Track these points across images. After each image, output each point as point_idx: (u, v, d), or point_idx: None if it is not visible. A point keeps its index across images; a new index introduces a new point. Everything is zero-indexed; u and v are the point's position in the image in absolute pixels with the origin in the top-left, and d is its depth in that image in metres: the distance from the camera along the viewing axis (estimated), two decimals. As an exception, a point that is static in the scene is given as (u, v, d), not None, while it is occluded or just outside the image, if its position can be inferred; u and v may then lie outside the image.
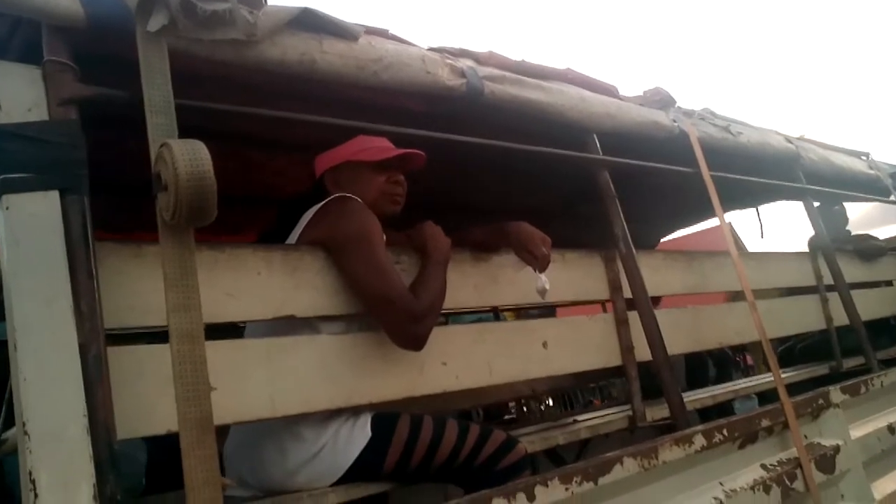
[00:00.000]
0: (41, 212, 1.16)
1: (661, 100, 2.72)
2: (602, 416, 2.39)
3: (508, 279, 1.99)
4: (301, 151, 1.92)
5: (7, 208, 1.13)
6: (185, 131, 1.20)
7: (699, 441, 1.94)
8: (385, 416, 1.63)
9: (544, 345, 2.02)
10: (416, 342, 1.58)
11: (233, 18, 1.37)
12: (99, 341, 1.16)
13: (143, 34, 1.28)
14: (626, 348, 2.25)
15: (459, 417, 2.27)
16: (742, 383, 3.47)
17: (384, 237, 1.70)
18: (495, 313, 5.01)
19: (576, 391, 6.19)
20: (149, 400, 1.28)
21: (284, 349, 1.50)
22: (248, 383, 1.42)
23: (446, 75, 1.86)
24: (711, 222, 4.45)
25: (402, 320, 1.55)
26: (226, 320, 1.43)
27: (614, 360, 2.24)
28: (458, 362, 1.79)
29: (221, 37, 1.40)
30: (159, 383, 1.29)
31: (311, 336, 1.56)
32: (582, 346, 2.14)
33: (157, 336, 1.37)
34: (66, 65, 1.27)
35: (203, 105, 1.41)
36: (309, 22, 1.56)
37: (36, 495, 0.98)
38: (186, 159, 1.10)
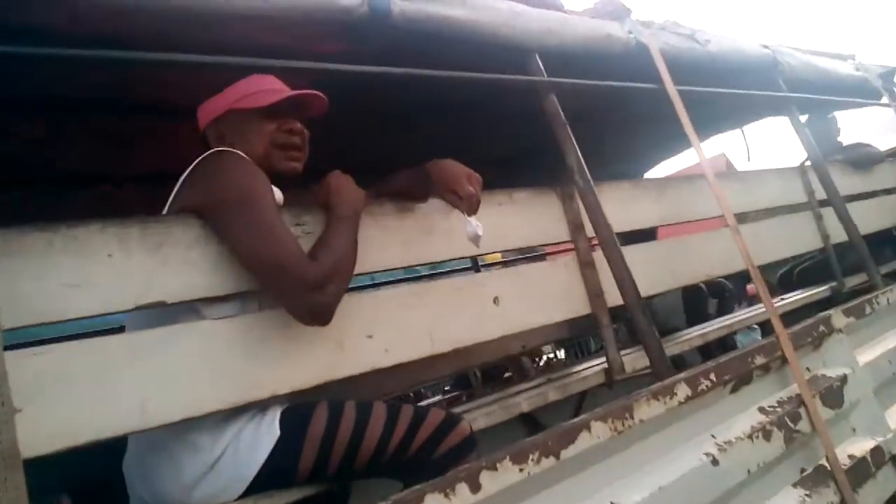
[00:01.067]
0: None
1: (614, 11, 2.39)
2: (576, 371, 2.12)
3: (445, 230, 1.70)
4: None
5: None
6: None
7: (682, 391, 1.68)
8: (296, 410, 1.36)
9: (495, 300, 1.75)
10: (317, 314, 1.31)
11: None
12: None
13: None
14: (594, 293, 1.98)
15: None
16: (739, 316, 3.21)
17: (275, 195, 1.42)
18: (475, 267, 4.74)
19: (587, 338, 5.87)
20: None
21: (153, 344, 1.22)
22: (109, 390, 1.15)
23: (340, -6, 1.55)
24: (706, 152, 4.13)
25: (297, 289, 1.28)
26: (68, 318, 1.15)
27: (582, 307, 1.97)
28: (388, 333, 1.52)
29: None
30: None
31: (189, 324, 1.28)
32: (541, 296, 1.86)
33: None
34: None
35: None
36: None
37: None
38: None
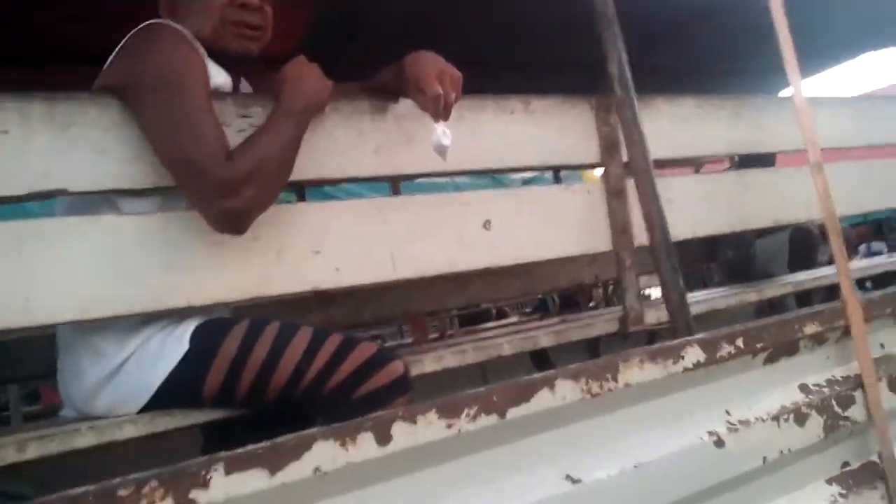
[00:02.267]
0: None
1: None
2: (588, 317, 1.87)
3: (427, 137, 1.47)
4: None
5: None
6: None
7: (693, 356, 1.41)
8: (212, 325, 1.23)
9: (486, 224, 1.52)
10: (228, 221, 1.15)
11: None
12: None
13: None
14: (620, 229, 1.69)
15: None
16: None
17: (219, 79, 1.24)
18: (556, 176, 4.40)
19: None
20: None
21: (46, 235, 1.12)
22: (-6, 282, 1.06)
23: None
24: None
25: (206, 191, 1.12)
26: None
27: (602, 243, 1.69)
28: (340, 250, 1.35)
29: None
30: None
31: (91, 217, 1.16)
32: (550, 225, 1.60)
33: None
34: None
35: None
36: None
37: None
38: None
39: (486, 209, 1.53)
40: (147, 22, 1.23)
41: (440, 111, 1.27)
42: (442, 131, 1.27)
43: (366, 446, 1.08)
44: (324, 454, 1.05)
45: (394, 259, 1.40)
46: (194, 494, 0.96)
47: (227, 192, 1.11)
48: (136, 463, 1.13)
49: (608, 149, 1.71)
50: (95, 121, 1.16)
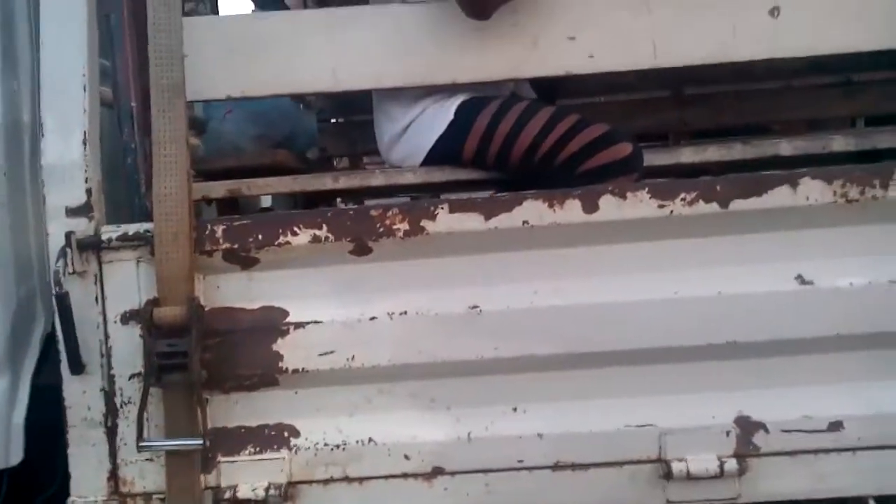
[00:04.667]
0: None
1: None
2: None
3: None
4: None
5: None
6: None
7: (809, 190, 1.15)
8: (474, 101, 1.44)
9: (773, 12, 1.38)
10: (473, 6, 1.29)
11: None
12: (122, 10, 1.31)
13: None
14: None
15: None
16: None
17: None
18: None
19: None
20: (211, 67, 1.41)
21: (346, 20, 1.41)
22: (306, 55, 1.41)
23: None
24: None
25: None
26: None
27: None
28: (595, 36, 1.39)
29: None
30: (220, 52, 1.41)
31: (380, 6, 1.42)
32: (855, 13, 1.37)
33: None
34: None
35: None
36: None
37: (43, 135, 1.26)
38: None
39: (774, -8, 1.37)
40: None
41: None
42: None
43: (573, 211, 1.21)
44: (533, 210, 1.22)
45: (655, 46, 1.39)
46: (424, 223, 1.22)
47: None
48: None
49: None
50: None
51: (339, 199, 2.17)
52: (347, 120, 2.73)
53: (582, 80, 1.60)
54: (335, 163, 2.48)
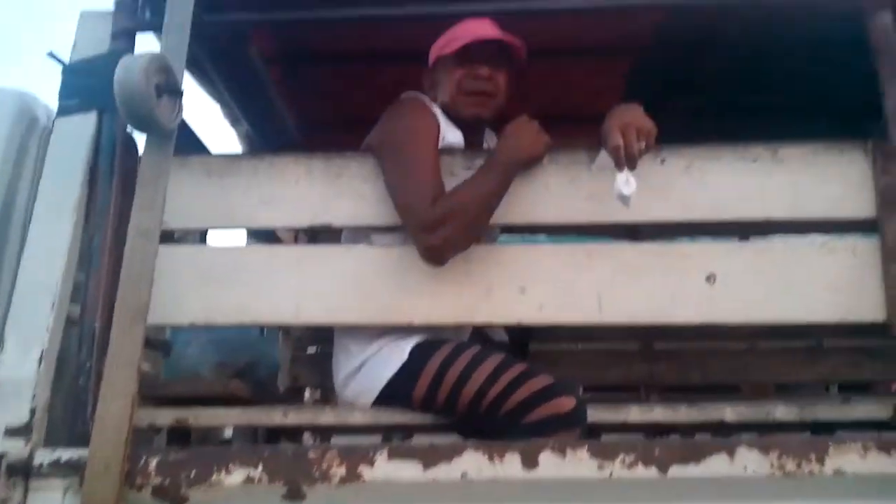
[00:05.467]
0: (76, 128, 1.46)
1: None
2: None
3: (658, 185, 1.51)
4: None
5: (55, 130, 1.47)
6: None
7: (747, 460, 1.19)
8: (428, 343, 1.50)
9: (709, 279, 1.49)
10: (429, 254, 1.41)
11: None
12: (105, 234, 1.41)
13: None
14: (896, 298, 1.47)
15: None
16: None
17: (452, 137, 1.53)
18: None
19: None
20: (181, 293, 1.49)
21: (314, 257, 1.53)
22: (273, 288, 1.50)
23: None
24: None
25: (413, 228, 1.42)
26: (258, 226, 1.54)
27: (871, 311, 1.49)
28: (545, 290, 1.49)
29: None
30: (193, 280, 1.50)
31: (347, 246, 1.54)
32: (798, 286, 1.49)
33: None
34: (127, 3, 1.53)
35: (230, 19, 1.51)
36: None
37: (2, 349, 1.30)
38: (123, 65, 1.24)
39: (710, 262, 1.50)
40: (404, 94, 1.59)
41: (622, 160, 1.34)
42: (624, 180, 1.34)
43: (512, 465, 1.22)
44: (472, 462, 1.23)
45: (600, 302, 1.49)
46: (362, 469, 1.22)
47: (427, 230, 1.37)
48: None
49: (888, 202, 1.51)
50: (356, 172, 1.54)
51: (307, 433, 2.15)
52: (324, 351, 2.79)
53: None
54: (307, 394, 2.49)
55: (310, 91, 2.51)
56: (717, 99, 2.51)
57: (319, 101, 2.56)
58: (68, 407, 1.33)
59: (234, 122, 2.50)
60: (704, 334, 2.27)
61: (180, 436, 1.65)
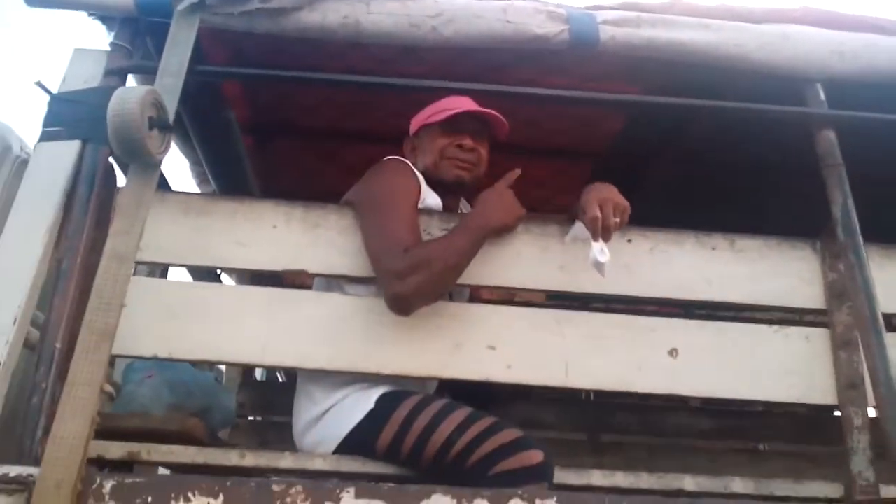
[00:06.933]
0: (57, 154, 1.50)
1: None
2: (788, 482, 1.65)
3: (623, 264, 1.62)
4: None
5: (34, 155, 1.51)
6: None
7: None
8: (394, 393, 1.52)
9: (672, 353, 1.57)
10: (395, 302, 1.46)
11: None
12: (75, 259, 1.42)
13: (177, 13, 1.57)
14: (848, 383, 1.58)
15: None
16: None
17: (430, 199, 1.63)
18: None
19: None
20: (144, 325, 1.48)
21: (285, 301, 1.55)
22: (240, 327, 1.51)
23: (538, 23, 1.69)
24: None
25: (383, 276, 1.48)
26: (231, 266, 1.57)
27: (823, 395, 1.59)
28: (514, 350, 1.55)
29: (254, 6, 1.59)
30: (158, 313, 1.50)
31: (318, 293, 1.57)
32: (755, 366, 1.58)
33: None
34: (123, 47, 1.62)
35: (219, 69, 1.62)
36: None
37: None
38: (119, 94, 1.30)
39: (673, 337, 1.59)
40: (386, 157, 1.69)
41: (597, 231, 1.45)
42: (599, 249, 1.45)
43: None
44: (439, 506, 1.21)
45: (567, 367, 1.54)
46: (326, 506, 1.20)
47: (397, 276, 1.43)
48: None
49: (835, 296, 1.64)
50: (334, 224, 1.61)
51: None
52: (265, 419, 2.74)
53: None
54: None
55: (280, 163, 2.62)
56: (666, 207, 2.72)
57: (288, 174, 2.66)
58: (17, 426, 1.28)
59: (202, 182, 2.55)
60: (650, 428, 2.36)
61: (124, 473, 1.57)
